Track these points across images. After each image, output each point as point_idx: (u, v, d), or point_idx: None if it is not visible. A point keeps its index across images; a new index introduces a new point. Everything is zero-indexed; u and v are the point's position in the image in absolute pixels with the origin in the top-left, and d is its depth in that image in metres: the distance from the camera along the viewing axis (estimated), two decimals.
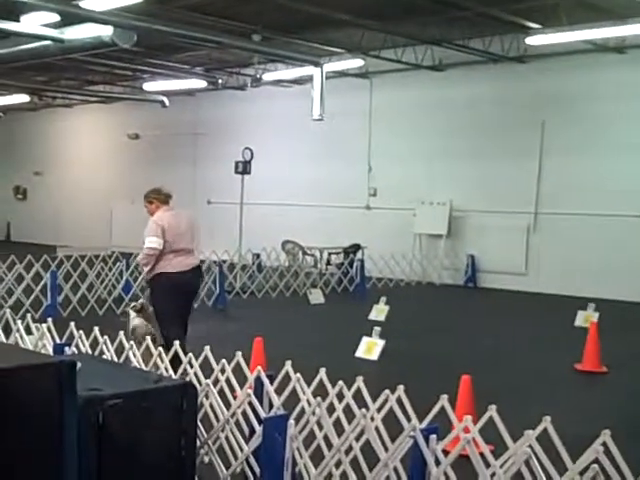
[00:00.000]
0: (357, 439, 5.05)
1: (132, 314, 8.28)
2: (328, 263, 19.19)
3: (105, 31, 12.64)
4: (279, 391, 5.50)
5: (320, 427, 5.23)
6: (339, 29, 17.44)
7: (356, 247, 19.12)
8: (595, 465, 3.86)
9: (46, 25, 13.03)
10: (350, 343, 10.43)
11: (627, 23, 14.65)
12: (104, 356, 6.25)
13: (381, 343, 10.18)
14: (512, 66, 18.89)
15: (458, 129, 19.96)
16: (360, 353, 10.26)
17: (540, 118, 18.56)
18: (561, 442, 4.55)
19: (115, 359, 6.27)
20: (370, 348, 10.26)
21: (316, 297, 15.76)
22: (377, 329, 10.33)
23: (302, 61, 15.94)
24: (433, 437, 4.47)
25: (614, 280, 17.07)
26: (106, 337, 6.38)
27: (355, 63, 19.26)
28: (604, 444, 4.24)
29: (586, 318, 12.36)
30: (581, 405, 8.22)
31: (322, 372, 5.54)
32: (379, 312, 13.28)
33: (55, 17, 12.48)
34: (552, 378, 9.59)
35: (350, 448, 5.06)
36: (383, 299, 13.39)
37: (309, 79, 15.90)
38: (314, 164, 22.55)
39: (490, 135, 19.44)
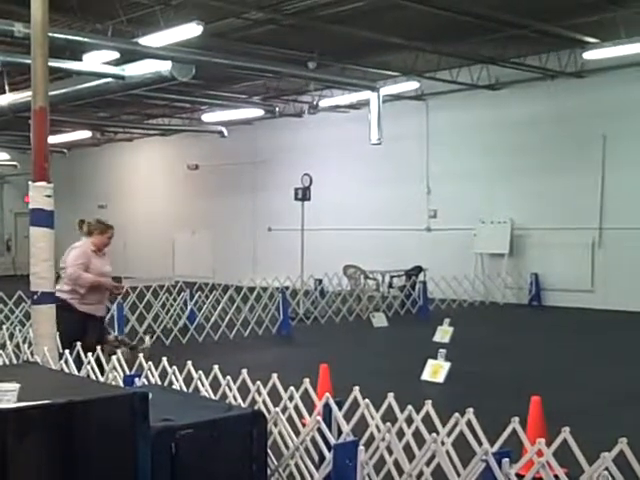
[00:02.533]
0: (428, 464, 5.02)
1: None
2: (390, 286, 19.15)
3: (164, 66, 12.92)
4: (347, 417, 5.50)
5: (390, 452, 5.21)
6: (393, 52, 17.52)
7: (418, 269, 19.06)
8: None
9: (107, 63, 13.37)
10: (415, 366, 10.36)
11: None
12: (173, 386, 6.33)
13: (447, 365, 10.09)
14: (570, 81, 18.72)
15: (517, 147, 19.82)
16: (426, 376, 10.19)
17: (601, 132, 18.33)
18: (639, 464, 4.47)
19: (184, 389, 6.33)
20: (436, 371, 10.19)
21: (379, 321, 15.72)
22: (442, 351, 10.26)
23: (358, 86, 16.05)
24: (506, 461, 4.42)
25: None
26: (174, 367, 6.46)
27: (410, 86, 19.29)
28: None
29: None
30: None
31: (390, 397, 5.52)
32: (443, 334, 13.17)
33: (115, 55, 12.79)
34: (624, 397, 9.38)
35: (421, 473, 5.03)
36: (447, 320, 13.28)
37: (365, 103, 16.02)
38: (373, 188, 22.59)
39: (550, 152, 19.25)
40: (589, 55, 15.73)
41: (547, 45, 17.24)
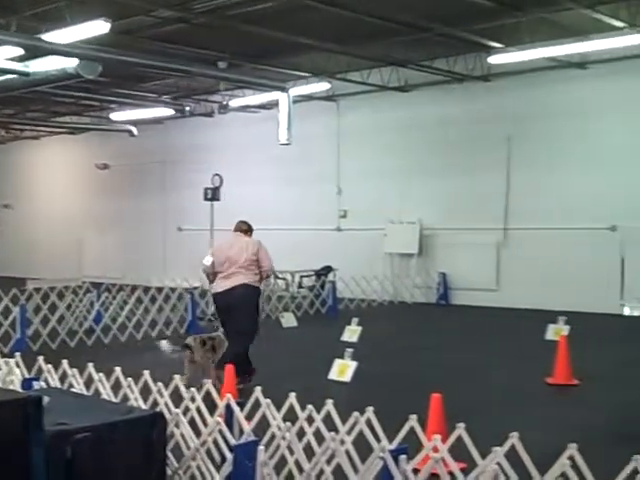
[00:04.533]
0: (328, 462, 5.07)
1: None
2: (300, 286, 19.21)
3: (70, 63, 12.65)
4: (251, 418, 5.51)
5: (292, 452, 5.24)
6: (304, 53, 17.57)
7: (327, 269, 19.18)
8: (561, 479, 3.90)
9: (10, 59, 13.02)
10: (323, 366, 10.42)
11: (588, 39, 14.94)
12: (73, 389, 6.23)
13: (353, 365, 10.16)
14: (477, 85, 19.12)
15: (425, 148, 20.15)
16: (333, 375, 10.25)
17: (506, 135, 18.77)
18: (530, 457, 4.60)
19: (85, 392, 6.24)
20: (343, 370, 10.26)
21: (288, 320, 15.75)
22: (349, 351, 10.33)
23: (268, 87, 16.03)
24: (403, 457, 4.50)
25: (584, 293, 17.21)
26: (75, 370, 6.36)
27: (321, 87, 19.42)
28: (571, 457, 4.29)
29: (556, 331, 12.37)
30: (552, 419, 8.27)
31: (292, 396, 5.55)
32: (352, 333, 13.28)
33: (19, 51, 12.46)
34: (523, 393, 9.64)
35: (322, 472, 5.07)
36: (355, 320, 13.40)
37: (276, 104, 16.00)
38: (284, 188, 22.64)
39: (457, 153, 19.62)
40: (494, 59, 16.11)
41: (455, 49, 17.55)
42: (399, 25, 15.21)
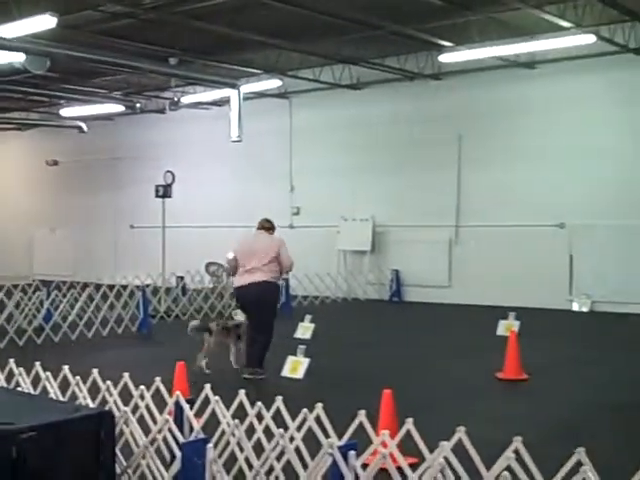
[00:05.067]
0: (278, 459, 5.07)
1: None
2: None
3: (17, 58, 12.47)
4: (201, 415, 5.48)
5: (242, 449, 5.23)
6: (256, 50, 17.53)
7: None
8: (506, 472, 3.95)
9: None
10: (276, 363, 10.41)
11: (536, 39, 15.16)
12: (20, 388, 6.14)
13: (306, 361, 10.19)
14: (428, 83, 19.25)
15: (378, 146, 20.23)
16: (286, 372, 10.27)
17: (457, 132, 18.94)
18: (478, 451, 4.65)
19: (32, 391, 6.16)
20: (295, 367, 10.27)
21: (240, 318, 15.64)
22: (302, 347, 10.36)
23: (218, 83, 15.98)
24: (352, 453, 4.52)
25: (534, 289, 17.45)
26: (21, 369, 6.27)
27: (273, 84, 19.40)
28: (516, 451, 4.35)
29: (507, 327, 12.54)
30: (501, 413, 8.37)
31: (242, 393, 5.54)
32: (305, 330, 13.33)
33: None
34: (474, 387, 9.73)
35: (271, 469, 5.07)
36: (308, 317, 13.44)
37: (228, 101, 15.94)
38: (236, 185, 22.58)
39: (410, 150, 19.74)
40: (444, 58, 16.25)
41: (406, 47, 17.66)
42: (351, 23, 15.25)
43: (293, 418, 5.31)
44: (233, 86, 15.13)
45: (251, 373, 9.95)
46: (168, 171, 17.53)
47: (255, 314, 10.20)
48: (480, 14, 14.72)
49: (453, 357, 11.98)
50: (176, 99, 20.63)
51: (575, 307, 17.35)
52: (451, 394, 9.35)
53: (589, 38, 14.62)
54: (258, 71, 19.18)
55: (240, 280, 10.22)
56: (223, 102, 20.63)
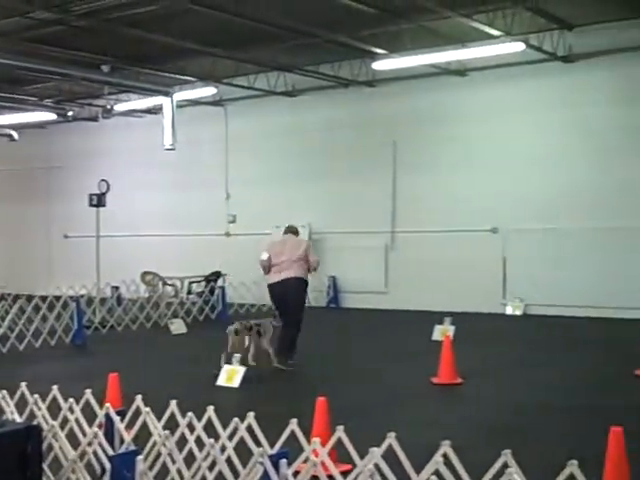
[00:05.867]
0: (210, 469, 5.03)
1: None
2: (189, 292, 19.03)
3: None
4: (132, 426, 5.42)
5: (173, 461, 5.19)
6: (190, 58, 17.46)
7: (217, 274, 19.04)
8: (434, 477, 3.99)
9: None
10: (211, 372, 10.36)
11: (466, 47, 15.39)
12: None
13: (242, 370, 10.16)
14: (362, 90, 19.39)
15: (314, 153, 20.30)
16: (221, 381, 10.21)
17: (392, 139, 19.10)
18: (411, 456, 4.68)
19: None
20: (231, 376, 10.21)
21: (178, 327, 15.59)
22: (237, 356, 10.32)
23: (151, 91, 15.86)
24: (283, 462, 4.51)
25: (469, 293, 17.67)
26: None
27: (207, 91, 19.32)
28: (445, 455, 4.39)
29: (442, 332, 12.62)
30: (434, 417, 8.44)
31: (173, 404, 5.50)
32: None
33: None
34: (409, 393, 9.80)
35: (204, 479, 5.04)
36: None
37: (162, 108, 15.85)
38: (172, 193, 22.42)
39: (345, 157, 19.85)
40: (378, 65, 16.39)
41: (340, 54, 17.76)
42: (285, 31, 15.30)
43: (225, 427, 5.29)
44: (166, 94, 15.06)
45: (281, 362, 11.18)
46: (102, 180, 17.30)
47: (287, 307, 11.35)
48: (412, 22, 14.89)
49: (389, 363, 12.05)
50: (109, 107, 20.38)
51: (509, 311, 17.62)
52: (386, 399, 9.40)
53: (518, 46, 14.91)
54: (193, 79, 19.09)
55: (274, 277, 11.41)
56: (157, 110, 20.49)
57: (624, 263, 16.47)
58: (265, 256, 11.52)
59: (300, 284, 11.46)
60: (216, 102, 21.30)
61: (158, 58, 17.34)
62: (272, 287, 11.53)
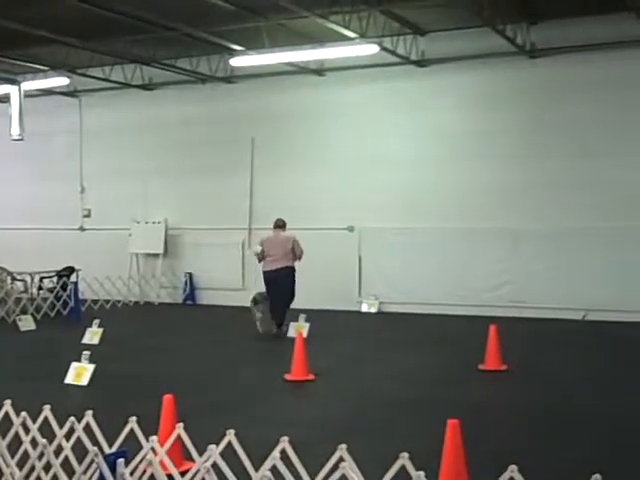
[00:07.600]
0: (46, 470, 4.91)
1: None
2: (40, 288, 18.44)
3: None
4: None
5: (7, 463, 5.03)
6: (42, 46, 16.87)
7: (70, 269, 18.54)
8: (268, 472, 4.03)
9: None
10: (61, 370, 10.07)
11: (324, 47, 15.58)
12: None
13: (91, 367, 9.92)
14: (220, 86, 19.31)
15: (171, 147, 20.06)
16: (69, 379, 9.96)
17: (250, 136, 19.11)
18: (254, 453, 4.72)
19: None
20: (80, 373, 9.98)
21: (26, 324, 15.09)
22: (86, 353, 10.07)
23: None
24: (120, 461, 4.45)
25: (326, 291, 17.84)
26: None
27: (60, 81, 18.69)
28: (283, 451, 4.45)
29: (297, 329, 12.78)
30: (284, 414, 8.50)
31: (7, 404, 5.32)
32: (93, 335, 13.01)
33: None
34: (260, 390, 9.83)
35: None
36: (96, 321, 13.12)
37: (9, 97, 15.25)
38: (25, 186, 21.64)
39: (203, 153, 19.71)
40: (235, 62, 16.38)
41: (198, 49, 17.61)
42: (143, 23, 15.03)
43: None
44: (13, 82, 14.49)
45: (278, 329, 13.95)
46: None
47: (279, 289, 13.86)
48: (270, 20, 14.93)
49: (242, 360, 12.08)
50: None
51: (364, 308, 17.95)
52: (236, 397, 9.40)
53: (372, 48, 15.21)
54: (44, 67, 18.45)
55: (268, 266, 13.99)
56: (5, 99, 19.75)
57: (469, 262, 17.10)
58: (259, 249, 14.10)
59: (290, 272, 14.01)
60: (70, 93, 20.71)
61: (6, 44, 16.63)
62: (266, 274, 14.02)
